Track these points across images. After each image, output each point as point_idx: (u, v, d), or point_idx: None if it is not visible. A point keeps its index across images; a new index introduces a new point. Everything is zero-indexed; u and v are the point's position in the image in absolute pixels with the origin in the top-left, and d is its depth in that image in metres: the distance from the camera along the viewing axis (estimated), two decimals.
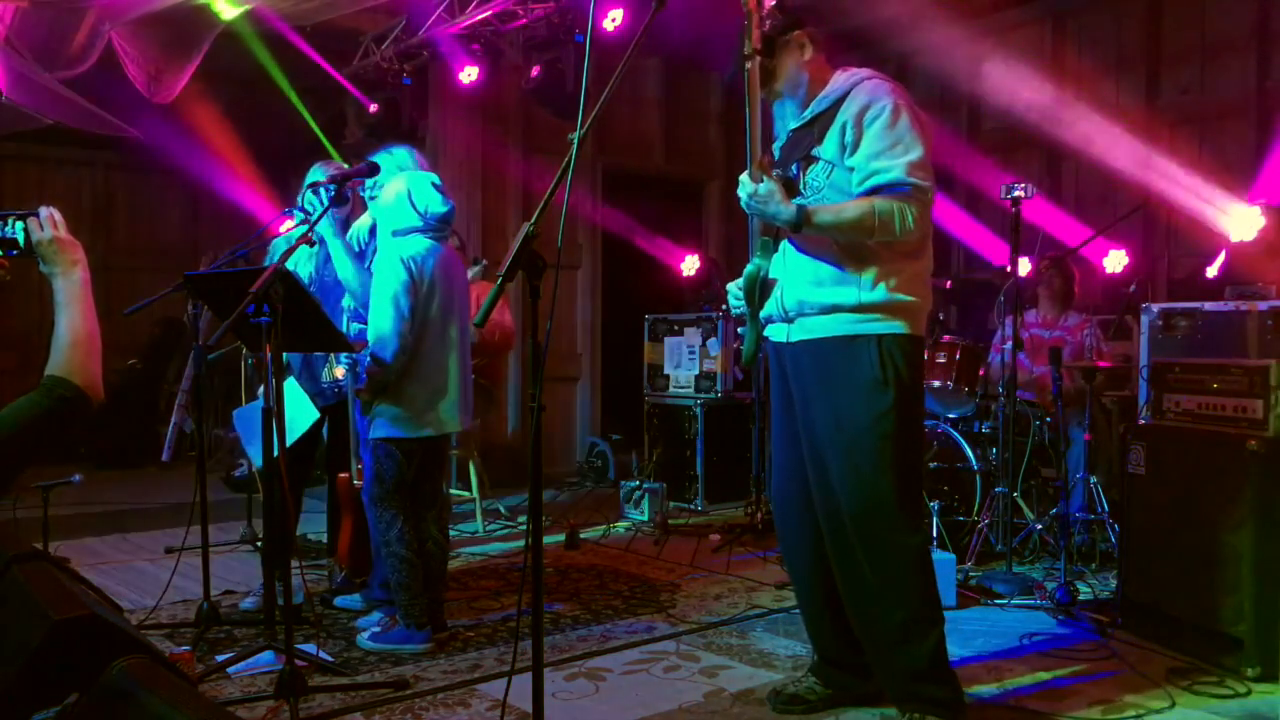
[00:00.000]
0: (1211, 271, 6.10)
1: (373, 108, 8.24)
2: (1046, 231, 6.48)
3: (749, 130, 2.84)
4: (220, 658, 3.48)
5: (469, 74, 7.57)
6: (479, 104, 7.93)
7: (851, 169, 2.84)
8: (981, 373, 5.24)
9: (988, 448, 5.25)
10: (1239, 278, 5.25)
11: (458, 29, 7.28)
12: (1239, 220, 5.76)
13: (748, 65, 2.82)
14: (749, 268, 2.99)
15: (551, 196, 2.29)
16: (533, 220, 2.25)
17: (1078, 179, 7.32)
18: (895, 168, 2.78)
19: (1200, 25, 6.86)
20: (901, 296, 2.88)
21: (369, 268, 4.08)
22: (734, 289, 3.10)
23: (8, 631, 2.59)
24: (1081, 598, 4.23)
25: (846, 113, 2.86)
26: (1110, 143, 6.70)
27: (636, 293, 8.57)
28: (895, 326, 2.88)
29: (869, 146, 2.81)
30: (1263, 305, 4.11)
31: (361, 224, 4.21)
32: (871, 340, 2.86)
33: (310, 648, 3.46)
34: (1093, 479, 4.79)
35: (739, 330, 3.21)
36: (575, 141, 2.29)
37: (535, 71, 7.21)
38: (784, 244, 3.00)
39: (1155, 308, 4.43)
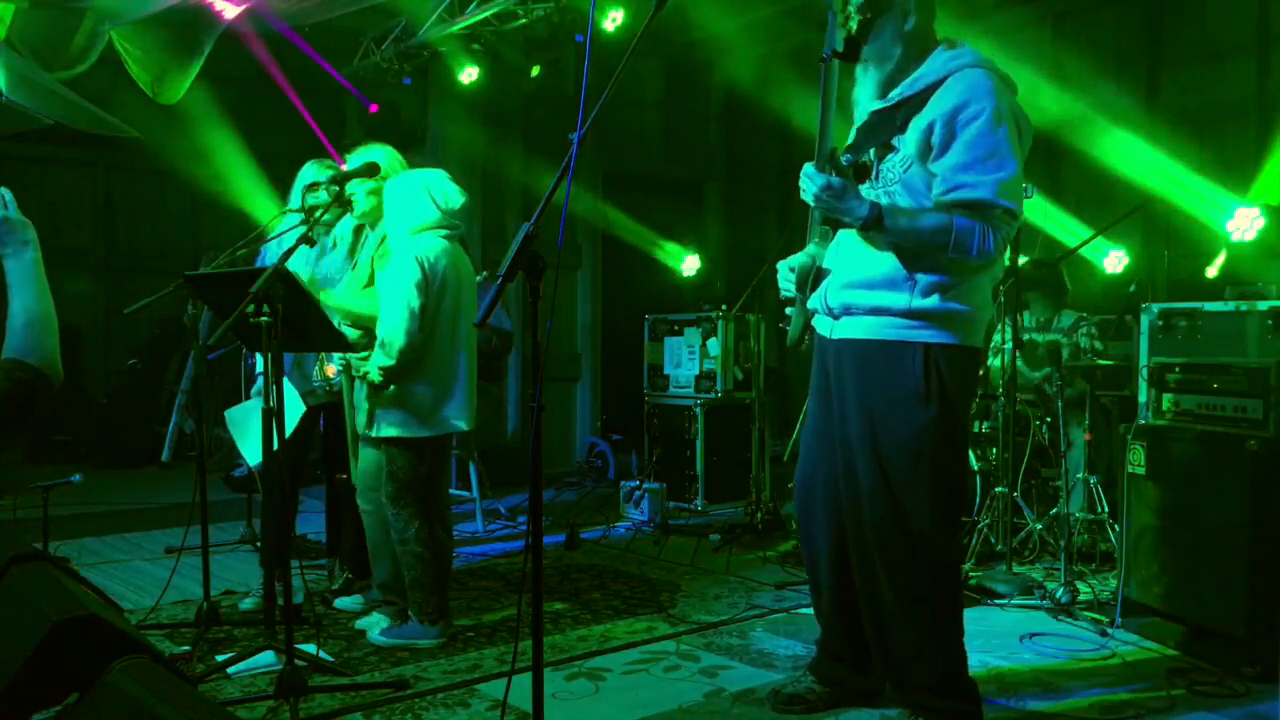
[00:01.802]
0: (1211, 271, 6.10)
1: (373, 108, 8.24)
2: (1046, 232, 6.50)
3: (820, 125, 2.67)
4: (220, 658, 3.48)
5: (469, 74, 7.57)
6: (479, 104, 7.94)
7: (934, 173, 2.62)
8: (981, 373, 5.25)
9: (988, 448, 5.25)
10: (1239, 278, 5.26)
11: (458, 29, 7.29)
12: (1239, 220, 5.76)
13: (825, 65, 2.65)
14: (803, 257, 2.87)
15: (551, 196, 2.29)
16: (533, 220, 2.25)
17: (1078, 179, 7.31)
18: (984, 185, 2.55)
19: (1200, 26, 6.87)
20: (956, 305, 2.69)
21: (355, 266, 4.08)
22: (784, 268, 2.96)
23: (8, 631, 2.58)
24: (1081, 598, 4.23)
25: (939, 107, 2.60)
26: (1110, 143, 6.70)
27: (636, 293, 8.58)
28: (945, 336, 2.71)
29: (959, 155, 2.58)
30: (1263, 305, 4.11)
31: (346, 223, 4.21)
32: (917, 349, 2.70)
33: (310, 648, 3.46)
34: (1093, 479, 4.79)
35: (786, 311, 3.07)
36: (575, 141, 2.28)
37: (535, 72, 7.21)
38: (841, 234, 2.84)
39: (1155, 308, 4.43)
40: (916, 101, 2.69)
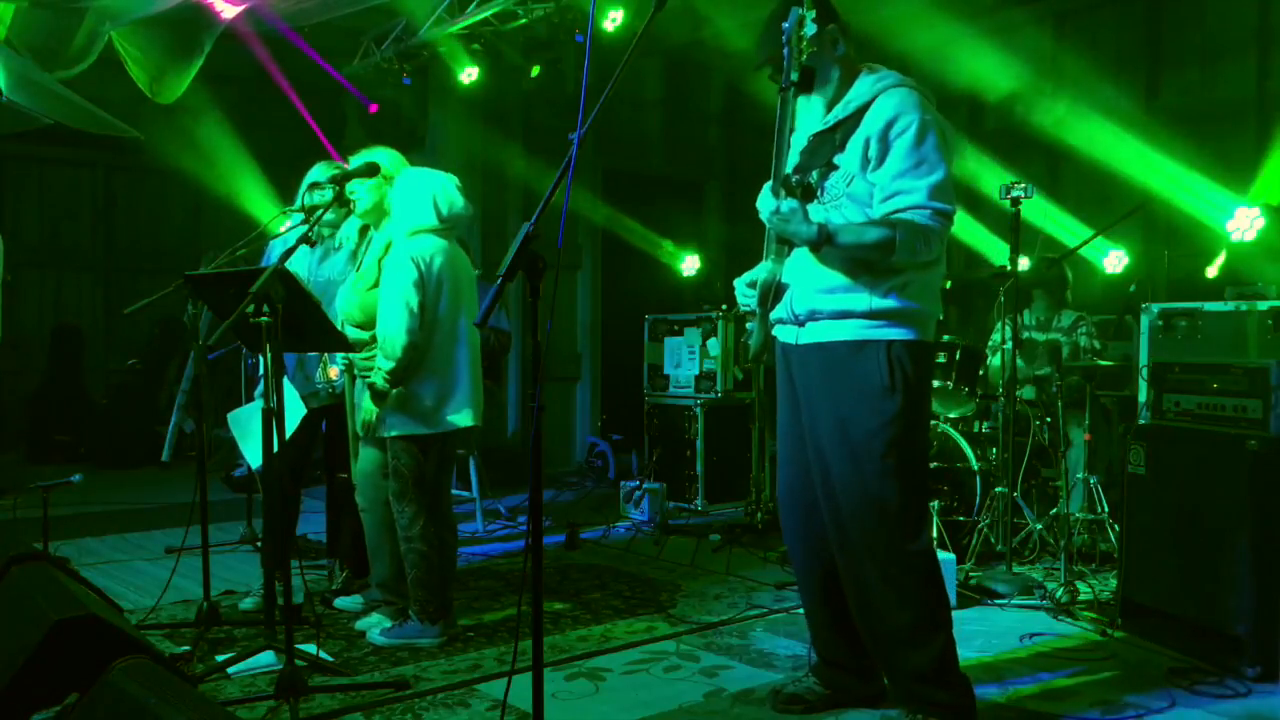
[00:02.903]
0: (1211, 271, 6.10)
1: (373, 108, 8.24)
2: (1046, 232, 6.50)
3: (776, 150, 2.86)
4: (220, 658, 3.48)
5: (469, 74, 7.57)
6: (479, 104, 7.93)
7: (873, 184, 2.83)
8: (981, 373, 5.25)
9: (988, 448, 5.25)
10: (1239, 278, 5.26)
11: (458, 29, 7.29)
12: (1239, 220, 5.76)
13: (784, 94, 2.83)
14: (764, 274, 2.97)
15: (551, 196, 2.29)
16: (532, 220, 2.25)
17: (1078, 179, 7.31)
18: (918, 190, 2.77)
19: (1201, 26, 6.86)
20: (912, 303, 2.87)
21: (359, 267, 4.08)
22: (741, 284, 3.07)
23: (8, 631, 2.59)
24: (1081, 598, 4.23)
25: (872, 125, 2.83)
26: (1110, 143, 6.70)
27: (636, 293, 8.58)
28: (904, 333, 2.87)
29: (893, 165, 2.79)
30: (1263, 305, 4.11)
31: (351, 224, 4.21)
32: (880, 346, 2.86)
33: (310, 648, 3.46)
34: (1093, 479, 4.79)
35: (747, 325, 3.20)
36: (575, 141, 2.29)
37: (535, 72, 7.21)
38: (797, 248, 2.98)
39: (1155, 308, 4.43)
40: (851, 122, 2.90)
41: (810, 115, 3.01)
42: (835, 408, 2.90)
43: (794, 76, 2.80)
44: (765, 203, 2.91)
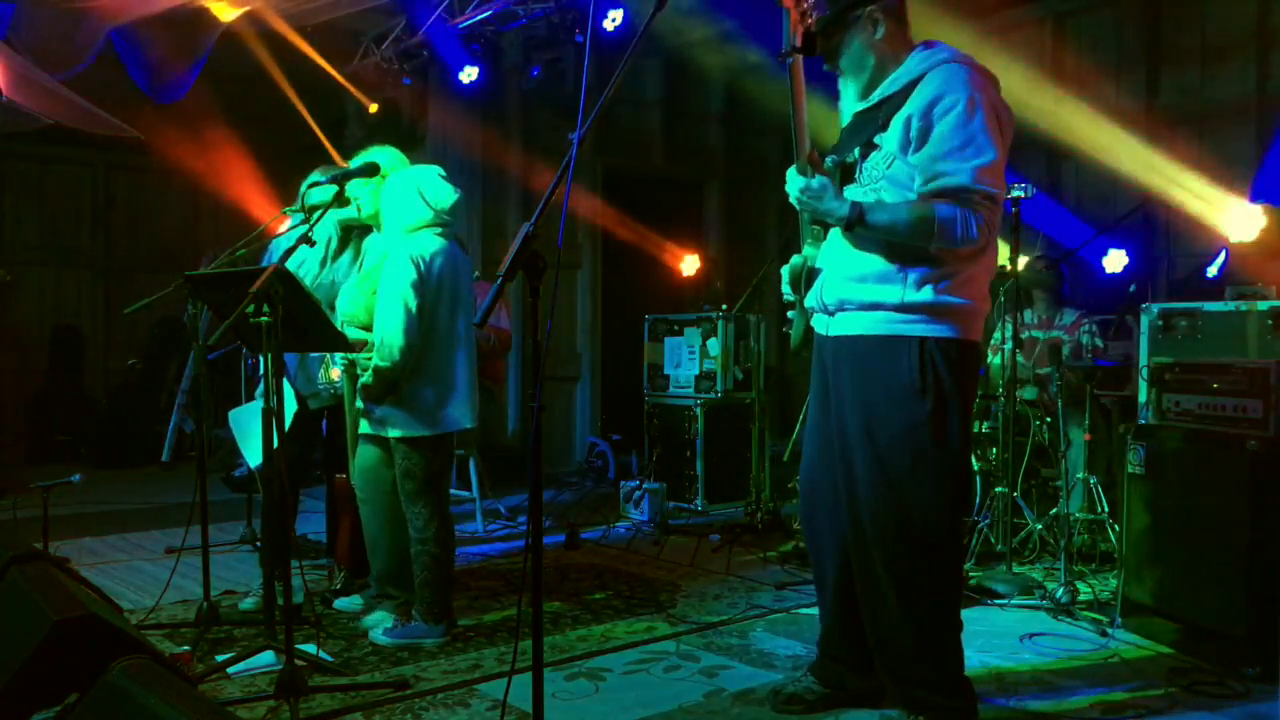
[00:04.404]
0: (1211, 271, 6.09)
1: (373, 108, 8.23)
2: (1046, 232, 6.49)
3: (794, 126, 2.73)
4: (220, 658, 3.48)
5: (469, 74, 7.58)
6: (479, 104, 7.94)
7: (914, 166, 2.66)
8: (981, 373, 5.25)
9: (988, 448, 5.25)
10: (1239, 278, 5.25)
11: (458, 29, 7.29)
12: (1239, 220, 5.76)
13: (788, 62, 2.70)
14: (795, 258, 2.90)
15: (551, 196, 2.29)
16: (533, 220, 2.25)
17: (1078, 179, 7.31)
18: (962, 172, 2.59)
19: (1200, 26, 6.86)
20: (951, 298, 2.70)
21: (359, 269, 4.08)
22: (787, 272, 3.00)
23: (8, 631, 2.59)
24: (1081, 598, 4.23)
25: (916, 102, 2.65)
26: (1110, 143, 6.69)
27: (636, 293, 8.57)
28: (941, 329, 2.71)
29: (936, 145, 2.62)
30: (1263, 305, 4.10)
31: (328, 221, 4.20)
32: (913, 343, 2.70)
33: (310, 648, 3.46)
34: (1093, 479, 4.79)
35: (788, 314, 3.12)
36: (575, 141, 2.28)
37: (535, 71, 7.21)
38: (832, 232, 2.87)
39: (1155, 308, 4.43)
40: (896, 99, 2.73)
41: (850, 100, 2.88)
42: (863, 406, 2.78)
43: (795, 43, 2.66)
44: (794, 182, 2.76)
